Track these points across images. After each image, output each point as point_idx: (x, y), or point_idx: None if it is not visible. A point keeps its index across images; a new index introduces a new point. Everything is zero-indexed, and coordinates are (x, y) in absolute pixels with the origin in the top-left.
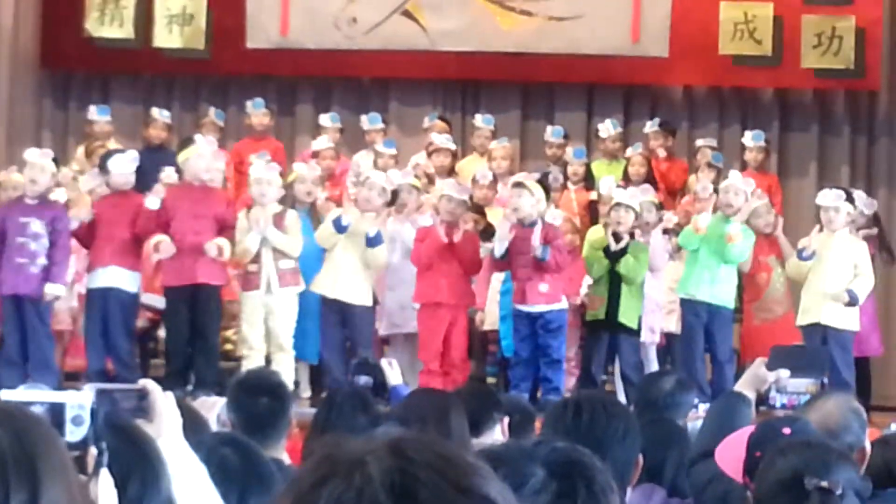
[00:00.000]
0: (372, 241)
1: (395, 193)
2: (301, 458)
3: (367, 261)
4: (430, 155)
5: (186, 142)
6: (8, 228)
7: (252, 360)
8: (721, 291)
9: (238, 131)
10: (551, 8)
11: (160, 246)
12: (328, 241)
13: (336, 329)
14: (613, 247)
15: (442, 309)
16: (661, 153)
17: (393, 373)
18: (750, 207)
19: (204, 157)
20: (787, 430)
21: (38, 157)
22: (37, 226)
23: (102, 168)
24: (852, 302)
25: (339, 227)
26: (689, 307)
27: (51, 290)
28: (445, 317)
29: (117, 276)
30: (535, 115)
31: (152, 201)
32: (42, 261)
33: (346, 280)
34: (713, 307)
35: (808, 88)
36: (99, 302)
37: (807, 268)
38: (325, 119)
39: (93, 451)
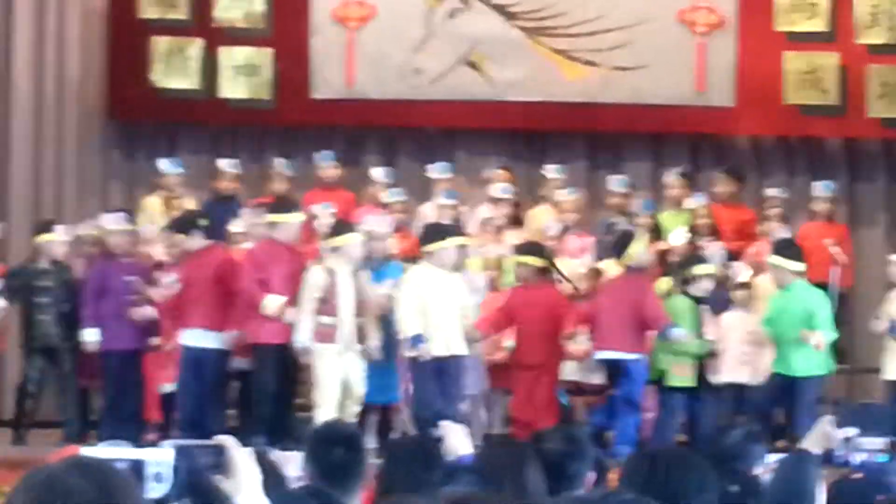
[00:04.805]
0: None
1: None
2: None
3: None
4: (492, 205)
5: (284, 202)
6: (110, 287)
7: (327, 412)
8: (808, 363)
9: (304, 182)
10: (615, 58)
11: (278, 309)
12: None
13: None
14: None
15: (530, 367)
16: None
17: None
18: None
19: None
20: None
21: (114, 223)
22: (140, 285)
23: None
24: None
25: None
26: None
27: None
28: (533, 374)
29: (207, 338)
30: (602, 166)
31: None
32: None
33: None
34: (800, 379)
35: (876, 138)
36: (191, 360)
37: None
38: (377, 172)
39: None
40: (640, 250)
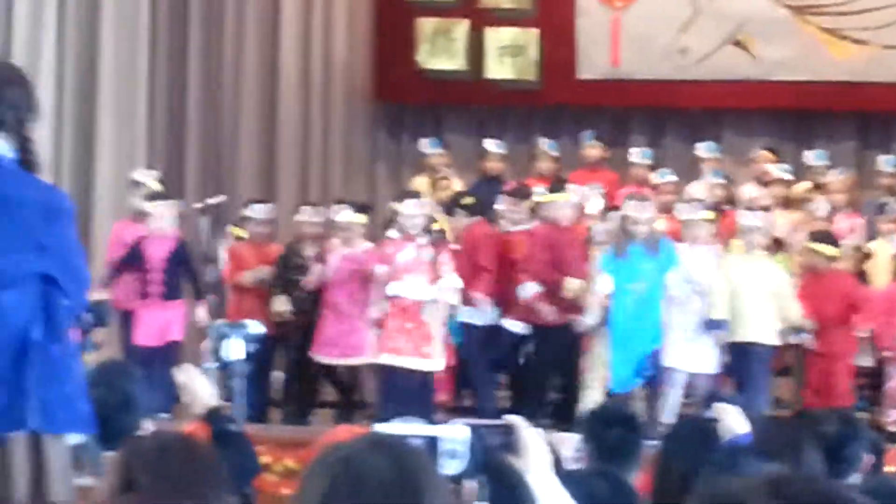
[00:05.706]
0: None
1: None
2: (653, 492)
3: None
4: (765, 185)
5: (556, 182)
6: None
7: (595, 391)
8: None
9: (570, 162)
10: (885, 36)
11: (579, 290)
12: None
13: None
14: None
15: (824, 355)
16: None
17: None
18: None
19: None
20: None
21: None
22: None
23: (450, 212)
24: None
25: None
26: None
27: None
28: (827, 361)
29: (472, 314)
30: (871, 145)
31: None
32: None
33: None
34: None
35: None
36: (464, 337)
37: None
38: (636, 153)
39: (468, 485)
40: None
